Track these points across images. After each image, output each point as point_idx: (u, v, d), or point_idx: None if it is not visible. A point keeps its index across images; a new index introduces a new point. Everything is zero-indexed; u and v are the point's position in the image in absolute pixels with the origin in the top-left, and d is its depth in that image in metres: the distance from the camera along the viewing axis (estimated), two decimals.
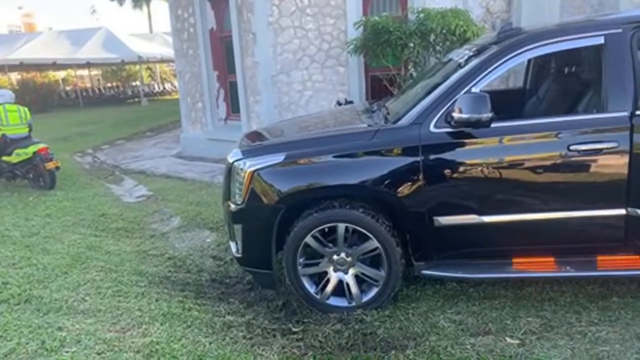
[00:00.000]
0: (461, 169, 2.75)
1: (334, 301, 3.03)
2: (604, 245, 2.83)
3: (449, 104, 2.74)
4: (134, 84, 26.69)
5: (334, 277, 2.99)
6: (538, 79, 4.09)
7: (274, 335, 2.79)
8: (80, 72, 26.15)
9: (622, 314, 2.80)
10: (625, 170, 2.63)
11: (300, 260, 2.97)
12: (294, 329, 2.86)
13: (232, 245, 3.21)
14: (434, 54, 5.90)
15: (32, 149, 6.63)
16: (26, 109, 7.08)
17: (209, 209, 5.41)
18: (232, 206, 3.06)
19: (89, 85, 27.43)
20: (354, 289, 2.98)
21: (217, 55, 8.26)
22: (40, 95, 20.39)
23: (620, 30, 2.67)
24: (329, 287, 3.01)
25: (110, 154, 10.05)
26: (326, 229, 2.91)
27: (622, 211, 2.69)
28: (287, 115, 6.90)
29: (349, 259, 2.95)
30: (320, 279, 3.05)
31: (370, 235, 2.84)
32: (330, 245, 2.95)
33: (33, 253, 4.15)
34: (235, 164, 3.06)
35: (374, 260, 2.96)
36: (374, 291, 2.98)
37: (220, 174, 3.97)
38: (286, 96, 7.14)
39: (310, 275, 3.04)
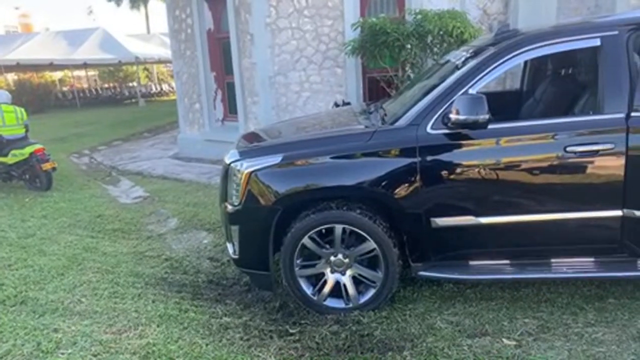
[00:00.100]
0: (458, 170, 2.76)
1: (331, 302, 3.03)
2: (600, 246, 2.84)
3: (446, 106, 2.74)
4: (131, 84, 26.64)
5: (331, 278, 2.99)
6: (535, 81, 4.10)
7: (271, 337, 2.79)
8: (77, 72, 26.13)
9: (619, 315, 2.80)
10: (621, 172, 2.64)
11: (298, 261, 2.97)
12: (291, 331, 2.85)
13: (229, 246, 3.21)
14: (431, 55, 5.91)
15: (28, 150, 6.61)
16: (22, 109, 7.06)
17: (206, 210, 5.40)
18: (229, 207, 3.05)
19: (85, 85, 27.36)
20: (351, 290, 2.98)
21: (215, 56, 8.25)
22: (36, 95, 20.36)
23: (616, 32, 2.68)
24: (326, 289, 3.00)
25: (107, 154, 10.03)
26: (323, 230, 2.91)
27: (619, 212, 2.70)
28: (285, 117, 6.89)
29: (346, 260, 2.95)
30: (317, 280, 3.05)
31: (368, 237, 2.85)
32: (328, 246, 2.95)
33: (29, 254, 4.14)
34: (232, 165, 3.05)
35: (371, 262, 2.96)
36: (371, 292, 2.98)
37: (218, 175, 3.95)
38: (284, 97, 7.14)
39: (308, 276, 3.04)
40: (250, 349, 2.66)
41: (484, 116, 2.60)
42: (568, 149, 2.66)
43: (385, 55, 5.89)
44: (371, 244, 2.86)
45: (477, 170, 2.74)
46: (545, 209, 2.77)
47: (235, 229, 3.06)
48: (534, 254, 2.92)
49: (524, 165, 2.73)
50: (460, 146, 2.75)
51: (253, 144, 3.32)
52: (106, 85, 27.11)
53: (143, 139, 11.87)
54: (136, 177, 7.68)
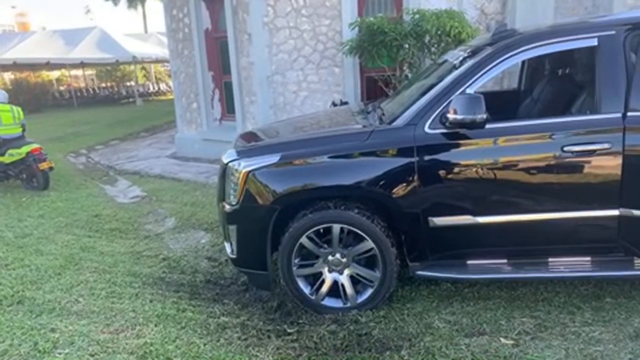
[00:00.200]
0: (456, 169, 2.76)
1: (329, 302, 3.03)
2: (597, 246, 2.85)
3: (443, 105, 2.75)
4: (128, 84, 26.59)
5: (329, 277, 2.99)
6: (532, 80, 4.11)
7: (269, 337, 2.79)
8: (74, 72, 26.05)
9: (616, 314, 2.81)
10: (618, 172, 2.65)
11: (295, 261, 2.97)
12: (288, 330, 2.85)
13: (227, 246, 3.21)
14: (429, 55, 5.92)
15: (25, 149, 6.59)
16: (19, 108, 7.03)
17: (203, 209, 5.40)
18: (227, 207, 3.05)
19: (83, 85, 27.30)
20: (349, 289, 2.98)
21: (212, 56, 8.24)
22: (33, 95, 20.26)
23: (613, 32, 2.68)
24: (324, 288, 3.01)
25: (105, 154, 10.00)
26: (321, 230, 2.91)
27: (615, 212, 2.71)
28: (283, 116, 6.89)
29: (344, 259, 2.95)
30: (315, 279, 3.05)
31: (365, 236, 2.85)
32: (325, 246, 2.95)
33: (26, 254, 4.12)
34: (230, 164, 3.05)
35: (369, 261, 2.96)
36: (369, 292, 2.98)
37: (215, 175, 3.96)
38: (281, 97, 7.14)
39: (305, 276, 3.04)
40: (248, 348, 2.66)
41: (482, 116, 2.61)
42: (565, 148, 2.67)
43: (383, 54, 5.90)
44: (369, 244, 2.86)
45: (474, 169, 2.74)
46: (542, 209, 2.78)
47: (233, 228, 3.06)
48: (531, 254, 2.92)
49: (521, 165, 2.74)
50: (458, 146, 2.76)
51: (251, 144, 3.32)
52: (103, 85, 27.05)
53: (140, 139, 11.84)
54: (133, 176, 7.67)
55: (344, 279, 2.98)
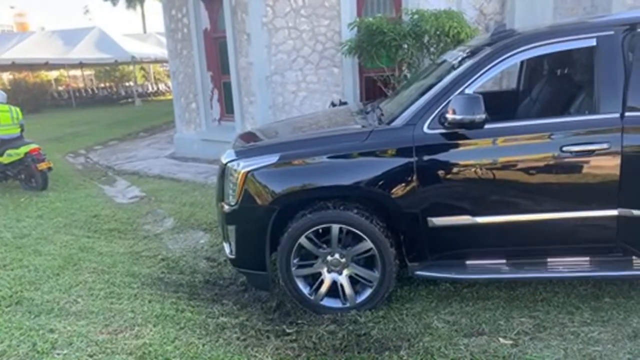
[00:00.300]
0: (455, 170, 2.76)
1: (328, 302, 3.03)
2: (596, 246, 2.85)
3: (442, 105, 2.75)
4: (127, 84, 26.56)
5: (328, 278, 2.99)
6: (531, 81, 4.11)
7: (268, 337, 2.79)
8: (72, 72, 26.00)
9: (614, 314, 2.82)
10: (616, 171, 2.65)
11: (294, 261, 2.97)
12: (287, 330, 2.85)
13: (226, 246, 3.20)
14: (427, 55, 5.92)
15: (23, 150, 6.58)
16: (18, 109, 7.02)
17: (202, 210, 5.39)
18: (226, 207, 3.05)
19: (81, 85, 27.27)
20: (348, 289, 2.98)
21: (211, 56, 8.24)
22: (32, 95, 20.24)
23: (612, 33, 2.69)
24: (323, 288, 3.00)
25: (103, 154, 9.99)
26: (320, 230, 2.91)
27: (614, 212, 2.71)
28: (282, 116, 6.89)
29: (343, 259, 2.94)
30: (314, 280, 3.04)
31: (364, 236, 2.85)
32: (324, 246, 2.95)
33: (24, 254, 4.12)
34: (228, 164, 3.05)
35: (368, 261, 2.96)
36: (368, 292, 2.98)
37: (214, 175, 3.97)
38: (280, 97, 7.14)
39: (304, 276, 3.04)
40: (247, 349, 2.66)
41: (481, 116, 2.61)
42: (564, 148, 2.67)
43: (382, 55, 5.90)
44: (368, 244, 2.86)
45: (473, 170, 2.74)
46: (541, 209, 2.78)
47: (232, 228, 3.05)
48: (530, 254, 2.92)
49: (520, 165, 2.74)
50: (456, 146, 2.76)
51: (250, 144, 3.32)
52: (102, 85, 27.03)
53: (139, 139, 11.83)
54: (132, 176, 7.66)
55: (343, 279, 2.98)
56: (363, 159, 2.83)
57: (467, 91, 2.74)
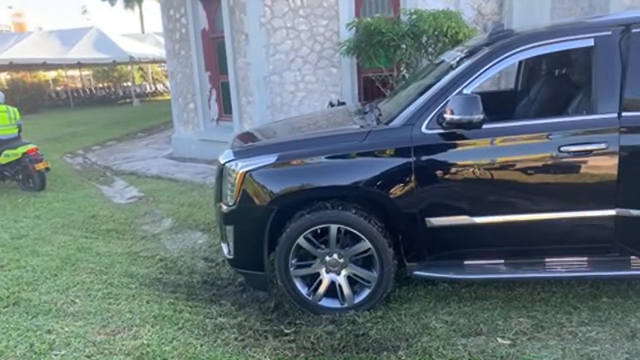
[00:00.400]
0: (453, 170, 2.76)
1: (326, 302, 3.02)
2: (594, 246, 2.85)
3: (440, 106, 2.75)
4: (125, 84, 26.53)
5: (326, 278, 2.99)
6: (529, 81, 4.12)
7: (266, 337, 2.78)
8: (70, 72, 25.95)
9: (612, 314, 2.82)
10: (614, 171, 2.65)
11: (293, 261, 2.97)
12: (286, 331, 2.85)
13: (224, 246, 3.20)
14: (426, 55, 5.92)
15: (21, 150, 6.56)
16: (15, 109, 7.00)
17: (200, 210, 5.39)
18: (224, 207, 3.04)
19: (79, 85, 27.23)
20: (346, 290, 2.98)
21: (209, 56, 8.23)
22: (30, 95, 20.22)
23: (609, 33, 2.69)
24: (321, 289, 3.00)
25: (101, 154, 9.98)
26: (318, 230, 2.90)
27: (612, 212, 2.71)
28: (280, 116, 6.88)
29: (341, 260, 2.94)
30: (312, 280, 3.04)
31: (363, 237, 2.84)
32: (323, 246, 2.94)
33: (22, 255, 4.11)
34: (227, 165, 3.04)
35: (366, 262, 2.96)
36: (366, 292, 2.98)
37: (212, 175, 3.96)
38: (278, 97, 7.13)
39: (303, 276, 3.04)
40: (245, 349, 2.65)
41: (479, 116, 2.61)
42: (562, 148, 2.67)
43: (381, 55, 5.91)
44: (366, 244, 2.86)
45: (471, 170, 2.75)
46: (539, 209, 2.78)
47: (230, 229, 3.05)
48: (528, 254, 2.93)
49: (518, 165, 2.74)
50: (455, 146, 2.76)
51: (248, 144, 3.32)
52: (100, 85, 27.01)
53: (137, 139, 11.82)
54: (130, 177, 7.65)
55: (341, 280, 2.98)
56: (361, 159, 2.83)
57: (465, 91, 2.74)
